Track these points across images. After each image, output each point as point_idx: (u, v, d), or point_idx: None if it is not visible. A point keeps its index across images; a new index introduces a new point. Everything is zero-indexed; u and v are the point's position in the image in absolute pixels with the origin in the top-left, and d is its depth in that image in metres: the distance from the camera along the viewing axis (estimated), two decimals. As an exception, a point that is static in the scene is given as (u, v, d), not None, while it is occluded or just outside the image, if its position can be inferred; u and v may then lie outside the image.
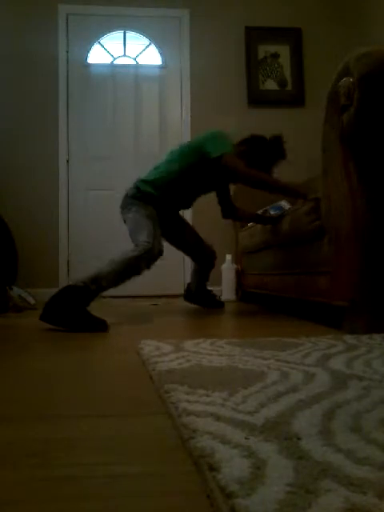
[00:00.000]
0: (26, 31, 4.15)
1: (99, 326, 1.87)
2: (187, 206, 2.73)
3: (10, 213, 3.75)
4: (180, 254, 4.12)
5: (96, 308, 2.00)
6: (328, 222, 1.84)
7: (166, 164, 2.54)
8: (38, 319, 1.92)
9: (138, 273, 2.14)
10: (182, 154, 2.50)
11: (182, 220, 2.83)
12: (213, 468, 0.52)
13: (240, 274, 3.70)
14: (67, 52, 4.20)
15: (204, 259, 2.84)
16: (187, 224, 2.87)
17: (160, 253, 2.22)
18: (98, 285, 1.99)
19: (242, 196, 3.58)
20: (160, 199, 2.44)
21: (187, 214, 4.19)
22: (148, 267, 2.17)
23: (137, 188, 2.48)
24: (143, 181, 2.51)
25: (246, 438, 0.61)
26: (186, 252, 2.89)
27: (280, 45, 4.36)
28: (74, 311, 1.90)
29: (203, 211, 4.13)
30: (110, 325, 1.90)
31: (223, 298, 3.72)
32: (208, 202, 4.17)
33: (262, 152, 2.50)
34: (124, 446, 0.65)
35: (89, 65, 4.26)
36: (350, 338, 1.47)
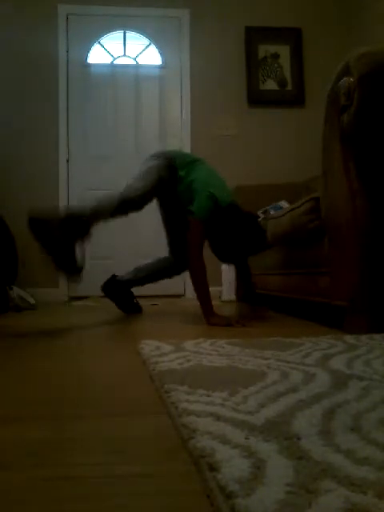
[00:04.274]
0: (26, 31, 4.15)
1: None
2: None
3: (9, 213, 3.75)
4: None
5: (96, 308, 2.00)
6: (328, 221, 1.84)
7: (190, 171, 2.39)
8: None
9: (111, 211, 2.18)
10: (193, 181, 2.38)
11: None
12: (213, 468, 0.52)
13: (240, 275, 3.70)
14: (67, 52, 4.21)
15: (178, 260, 2.69)
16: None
17: (137, 207, 2.25)
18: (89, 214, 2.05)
19: (243, 196, 3.58)
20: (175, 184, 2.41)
21: (187, 214, 4.20)
22: (123, 213, 2.21)
23: (173, 162, 2.40)
24: (179, 166, 2.41)
25: (245, 438, 0.61)
26: (170, 240, 2.76)
27: (280, 45, 4.36)
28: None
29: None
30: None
31: (223, 297, 3.72)
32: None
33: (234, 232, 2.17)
34: (124, 445, 0.65)
35: (89, 65, 4.26)
36: (350, 338, 1.47)
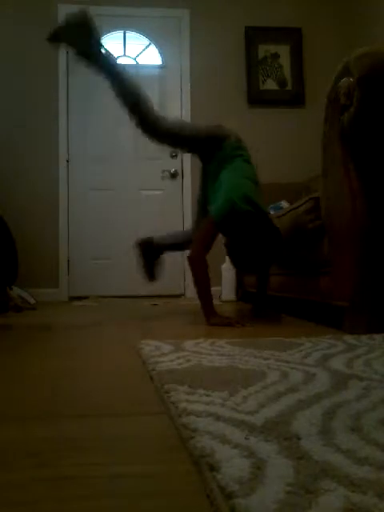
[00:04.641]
0: (26, 31, 4.15)
1: None
2: None
3: (9, 213, 3.76)
4: (180, 253, 4.13)
5: (97, 308, 2.00)
6: (328, 221, 1.84)
7: (226, 164, 2.34)
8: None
9: (130, 98, 2.35)
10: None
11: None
12: (213, 468, 0.52)
13: (240, 274, 3.70)
14: (67, 52, 4.20)
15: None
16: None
17: (150, 129, 2.40)
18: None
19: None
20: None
21: (187, 215, 4.20)
22: (137, 112, 2.36)
23: (223, 138, 2.37)
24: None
25: (246, 438, 0.61)
26: (196, 219, 2.70)
27: (280, 45, 4.36)
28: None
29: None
30: None
31: (223, 297, 3.72)
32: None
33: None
34: (124, 445, 0.65)
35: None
36: (349, 338, 1.47)
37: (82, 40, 2.36)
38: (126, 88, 2.35)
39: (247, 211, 2.05)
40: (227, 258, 3.67)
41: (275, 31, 4.35)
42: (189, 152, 2.67)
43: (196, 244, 2.14)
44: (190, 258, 2.12)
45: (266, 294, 2.68)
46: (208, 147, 2.37)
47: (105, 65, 2.39)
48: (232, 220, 2.06)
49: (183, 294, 4.15)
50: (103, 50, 2.40)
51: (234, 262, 2.21)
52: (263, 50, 4.35)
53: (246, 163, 2.32)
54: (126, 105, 2.37)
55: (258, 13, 4.37)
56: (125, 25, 4.30)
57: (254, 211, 2.06)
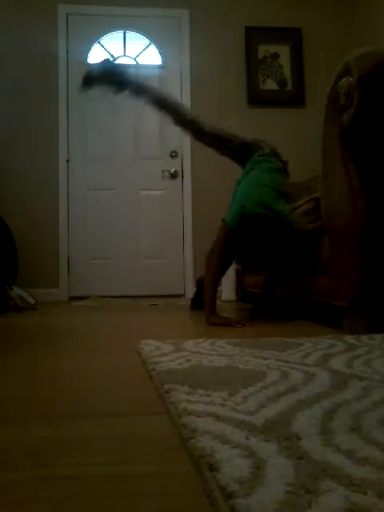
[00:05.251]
0: (26, 31, 4.15)
1: None
2: None
3: (9, 213, 3.76)
4: (180, 253, 4.14)
5: (97, 308, 2.00)
6: (328, 221, 1.84)
7: (246, 174, 2.49)
8: None
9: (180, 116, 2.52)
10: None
11: None
12: (213, 468, 0.52)
13: (240, 274, 3.70)
14: (67, 52, 4.21)
15: None
16: None
17: (199, 133, 2.55)
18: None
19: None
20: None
21: (187, 216, 4.20)
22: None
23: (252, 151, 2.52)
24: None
25: (246, 438, 0.61)
26: None
27: (280, 45, 4.36)
28: None
29: (203, 212, 4.15)
30: None
31: (223, 297, 3.72)
32: (207, 204, 4.18)
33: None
34: (124, 445, 0.65)
35: (89, 65, 4.26)
36: (350, 338, 1.47)
37: (113, 82, 2.53)
38: (169, 107, 2.50)
39: (260, 214, 2.07)
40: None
41: (275, 31, 4.35)
42: (230, 158, 2.74)
43: (213, 246, 2.23)
44: (206, 257, 2.23)
45: (272, 295, 2.69)
46: (243, 156, 2.53)
47: (142, 93, 2.56)
48: (244, 225, 2.11)
49: (183, 294, 4.15)
50: (134, 80, 2.58)
51: (242, 260, 2.30)
52: (263, 49, 4.35)
53: (270, 173, 2.35)
54: (177, 123, 2.54)
55: (258, 13, 4.36)
56: (125, 25, 4.30)
57: (270, 214, 2.06)
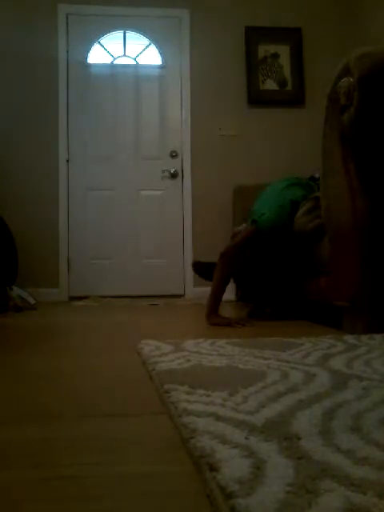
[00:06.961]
0: (26, 31, 4.15)
1: None
2: None
3: (9, 213, 3.75)
4: (180, 253, 4.13)
5: (96, 308, 2.00)
6: (328, 221, 1.84)
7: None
8: None
9: None
10: None
11: None
12: (213, 468, 0.52)
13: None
14: (67, 52, 4.20)
15: None
16: None
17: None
18: None
19: (243, 196, 3.58)
20: None
21: (187, 216, 4.20)
22: None
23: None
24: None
25: (246, 438, 0.61)
26: None
27: (280, 45, 4.36)
28: None
29: (203, 214, 4.15)
30: None
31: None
32: (207, 204, 4.18)
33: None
34: (124, 445, 0.65)
35: (89, 65, 4.26)
36: (350, 338, 1.47)
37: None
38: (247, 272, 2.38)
39: (272, 227, 2.13)
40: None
41: (275, 31, 4.35)
42: None
43: (232, 244, 2.24)
44: (221, 254, 2.20)
45: (274, 296, 2.71)
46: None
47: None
48: (276, 232, 2.14)
49: (183, 294, 4.15)
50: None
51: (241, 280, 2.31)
52: (263, 50, 4.35)
53: (289, 188, 2.36)
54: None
55: (258, 13, 4.36)
56: (125, 25, 4.30)
57: (279, 226, 2.16)
